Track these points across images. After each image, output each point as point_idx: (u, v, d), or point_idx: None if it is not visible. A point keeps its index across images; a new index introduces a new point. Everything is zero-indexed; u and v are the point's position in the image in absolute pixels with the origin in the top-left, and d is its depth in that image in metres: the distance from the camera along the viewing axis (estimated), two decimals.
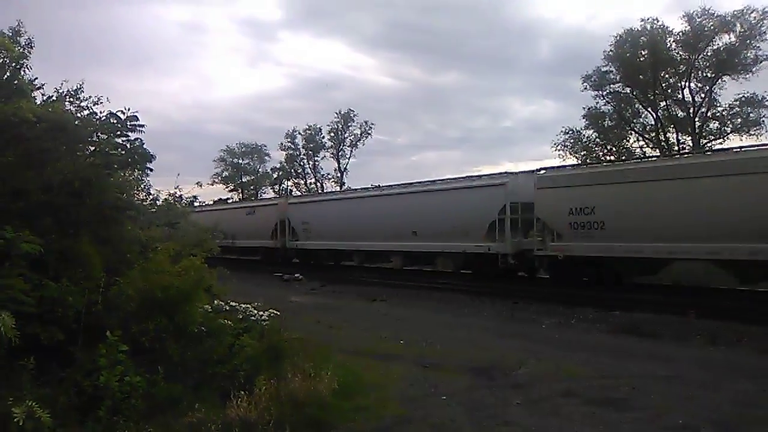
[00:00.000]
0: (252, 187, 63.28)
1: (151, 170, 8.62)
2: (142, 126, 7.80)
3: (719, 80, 32.22)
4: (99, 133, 7.70)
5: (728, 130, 32.66)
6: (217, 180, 62.28)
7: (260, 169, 63.50)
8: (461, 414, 6.51)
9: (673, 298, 14.90)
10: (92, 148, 7.74)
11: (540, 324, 13.09)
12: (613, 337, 11.37)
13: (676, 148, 32.95)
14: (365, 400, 6.94)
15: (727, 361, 9.19)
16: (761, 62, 30.88)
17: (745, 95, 31.55)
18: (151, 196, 10.83)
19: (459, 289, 19.18)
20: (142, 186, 10.40)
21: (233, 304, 8.31)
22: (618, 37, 33.39)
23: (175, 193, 11.66)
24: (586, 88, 35.03)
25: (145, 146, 7.88)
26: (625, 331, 11.78)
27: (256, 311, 8.32)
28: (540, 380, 7.89)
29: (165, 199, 11.14)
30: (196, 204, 18.62)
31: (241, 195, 61.75)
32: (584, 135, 36.10)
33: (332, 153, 55.82)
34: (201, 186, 57.72)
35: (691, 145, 32.47)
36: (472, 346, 10.20)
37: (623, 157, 32.17)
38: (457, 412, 6.58)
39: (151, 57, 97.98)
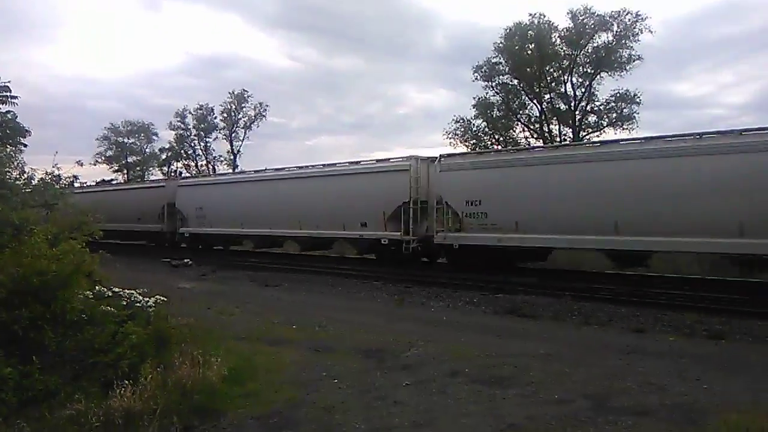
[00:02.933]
0: (138, 168, 60.36)
1: (26, 146, 8.05)
2: (15, 98, 7.26)
3: (598, 76, 34.47)
4: None
5: (605, 123, 35.10)
6: (100, 160, 58.87)
7: (147, 149, 60.73)
8: (352, 396, 6.63)
9: (551, 281, 15.81)
10: None
11: (429, 307, 13.50)
12: (498, 319, 11.94)
13: (558, 139, 34.90)
14: (256, 385, 6.91)
15: (599, 339, 9.91)
16: (634, 61, 33.40)
17: (620, 92, 34.04)
18: (25, 175, 10.07)
19: (352, 274, 19.33)
20: (16, 163, 9.65)
21: (117, 290, 7.96)
22: (507, 30, 34.77)
23: (53, 172, 10.92)
24: (476, 79, 36.33)
25: (18, 120, 7.33)
26: (508, 313, 12.40)
27: (141, 297, 8.00)
28: (428, 361, 8.16)
29: (41, 178, 10.40)
30: (76, 184, 17.44)
31: (126, 176, 58.76)
32: (474, 124, 37.42)
33: (225, 134, 54.35)
34: (82, 165, 53.74)
35: (571, 136, 34.49)
36: (363, 330, 10.36)
37: (509, 147, 33.69)
38: (348, 394, 6.69)
39: (20, 21, 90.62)
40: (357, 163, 22.65)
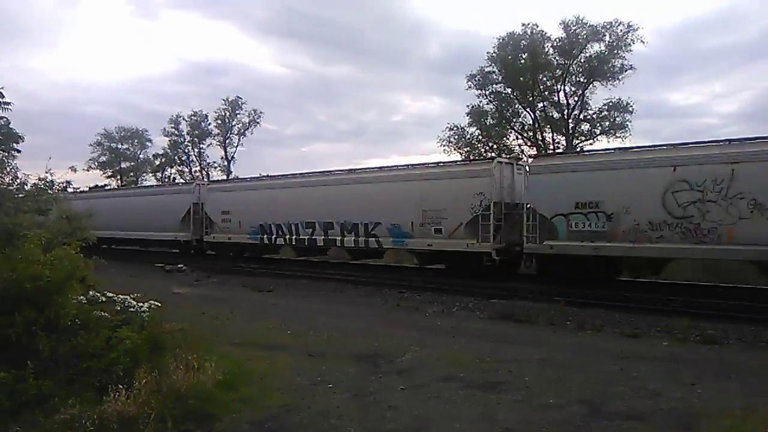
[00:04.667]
0: (132, 174, 60.19)
1: (19, 152, 8.02)
2: (9, 104, 7.25)
3: (590, 85, 34.71)
4: None
5: (597, 132, 35.28)
6: (93, 165, 58.62)
7: (141, 155, 60.57)
8: (347, 401, 6.62)
9: (546, 287, 15.84)
10: None
11: (424, 312, 13.50)
12: (492, 324, 11.95)
13: (552, 147, 35.06)
14: (250, 390, 6.88)
15: (593, 344, 9.93)
16: (626, 71, 33.63)
17: (613, 101, 34.25)
18: (18, 180, 10.04)
19: (348, 279, 19.34)
20: (9, 169, 9.62)
21: (110, 295, 7.93)
22: (501, 40, 34.97)
23: (46, 177, 10.89)
24: (470, 87, 36.48)
25: (11, 126, 7.32)
26: (502, 318, 12.43)
27: (135, 303, 7.98)
28: (423, 366, 8.16)
29: (34, 183, 10.37)
30: (69, 190, 17.35)
31: (120, 181, 58.57)
32: (468, 132, 37.53)
33: (219, 141, 54.27)
34: (76, 171, 53.69)
35: (564, 144, 34.65)
36: (358, 335, 10.36)
37: (503, 153, 33.85)
38: (343, 399, 6.68)
39: (18, 29, 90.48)
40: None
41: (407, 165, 21.00)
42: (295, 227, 22.87)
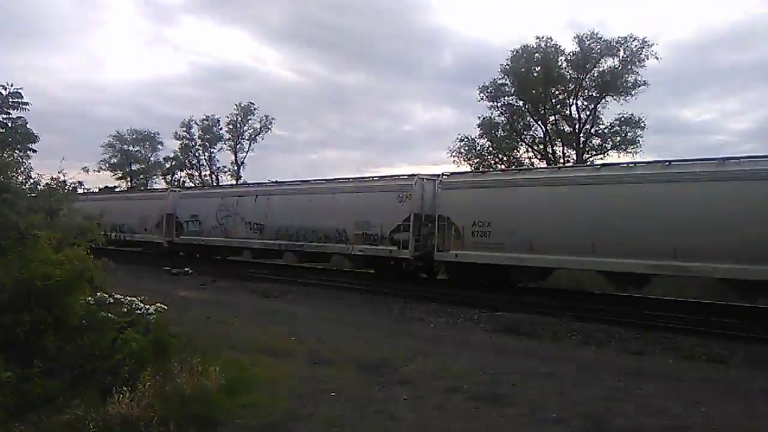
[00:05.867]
0: (142, 176, 60.54)
1: (35, 152, 8.11)
2: (26, 104, 7.33)
3: (603, 100, 34.71)
4: None
5: (608, 146, 35.26)
6: (104, 167, 59.02)
7: (152, 158, 60.94)
8: (350, 409, 6.63)
9: (552, 301, 15.80)
10: None
11: (428, 323, 13.49)
12: (497, 337, 11.93)
13: (562, 160, 35.02)
14: (254, 396, 6.89)
15: (598, 359, 9.90)
16: (639, 86, 33.62)
17: (625, 116, 34.25)
18: (31, 180, 10.12)
19: (353, 288, 19.33)
20: (22, 168, 9.70)
21: (118, 296, 7.96)
22: (514, 52, 35.05)
23: (59, 178, 10.96)
24: (482, 98, 36.54)
25: (28, 126, 7.40)
26: (508, 331, 12.39)
27: (142, 305, 8.01)
28: (427, 377, 8.15)
29: (47, 183, 10.44)
30: (80, 191, 17.49)
31: (130, 183, 58.94)
32: (478, 143, 37.57)
33: (230, 145, 54.52)
34: (87, 172, 54.18)
35: (575, 158, 34.62)
36: (362, 344, 10.36)
37: (513, 166, 33.87)
38: (346, 408, 6.68)
39: (37, 30, 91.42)
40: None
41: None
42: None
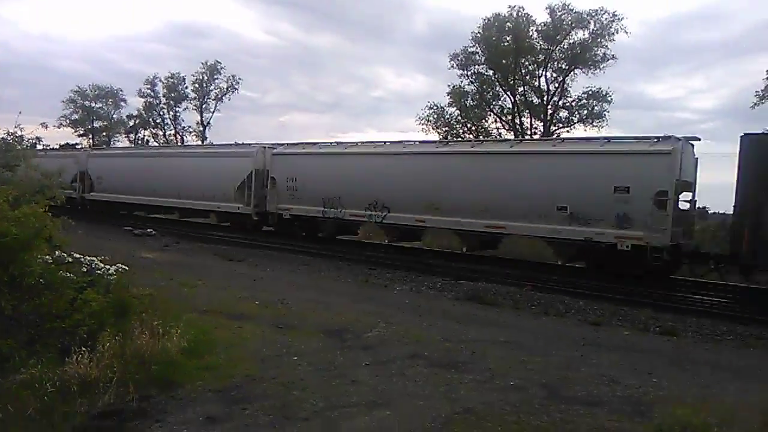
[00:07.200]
0: (104, 134, 59.03)
1: None
2: None
3: (572, 72, 34.80)
4: None
5: (575, 119, 35.51)
6: (65, 123, 57.32)
7: (115, 115, 59.37)
8: (311, 373, 6.67)
9: (513, 271, 16.07)
10: None
11: (393, 290, 13.61)
12: (459, 305, 12.09)
13: (529, 132, 35.23)
14: (215, 359, 6.89)
15: (556, 329, 10.14)
16: (608, 60, 33.82)
17: (592, 89, 34.50)
18: None
19: (319, 253, 19.32)
20: None
21: (77, 256, 7.81)
22: (486, 20, 34.80)
23: (15, 132, 10.61)
24: (452, 67, 36.28)
25: None
26: (469, 300, 12.59)
27: (102, 265, 7.88)
28: (389, 343, 8.25)
29: (2, 138, 10.11)
30: (39, 146, 16.98)
31: (92, 140, 57.41)
32: (447, 112, 37.46)
33: (195, 105, 53.46)
34: (47, 128, 52.57)
35: (542, 130, 34.87)
36: (326, 309, 10.39)
37: (480, 136, 33.97)
38: (308, 372, 6.72)
39: None
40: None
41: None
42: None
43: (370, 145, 21.96)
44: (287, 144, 24.63)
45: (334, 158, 21.71)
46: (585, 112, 35.07)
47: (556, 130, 35.12)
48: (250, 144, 26.29)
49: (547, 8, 34.07)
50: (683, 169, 14.53)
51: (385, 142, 21.58)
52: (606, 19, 33.16)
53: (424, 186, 18.09)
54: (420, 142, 23.94)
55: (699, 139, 15.23)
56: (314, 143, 23.90)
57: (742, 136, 13.02)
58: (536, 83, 35.89)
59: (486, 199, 16.67)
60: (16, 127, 9.98)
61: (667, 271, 15.03)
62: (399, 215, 18.78)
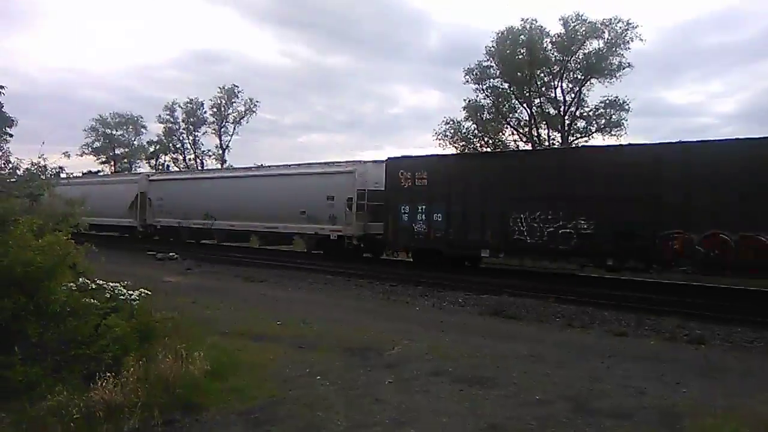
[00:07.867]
0: (126, 160, 59.96)
1: (11, 136, 7.96)
2: (1, 87, 7.19)
3: (588, 82, 34.66)
4: None
5: (593, 129, 35.29)
6: (87, 151, 58.40)
7: (135, 142, 60.38)
8: (335, 393, 6.65)
9: (535, 283, 15.93)
10: None
11: (414, 306, 13.56)
12: (482, 319, 12.01)
13: (547, 143, 35.07)
14: (239, 381, 6.90)
15: (581, 341, 10.00)
16: (624, 69, 33.67)
17: (609, 98, 34.29)
18: (10, 165, 10.00)
19: (338, 272, 19.36)
20: (0, 153, 9.58)
21: (101, 282, 7.90)
22: (500, 34, 34.88)
23: (39, 162, 10.83)
24: (467, 81, 36.36)
25: (4, 109, 7.26)
26: (492, 314, 12.49)
27: (125, 290, 7.96)
28: (412, 360, 8.19)
29: (26, 168, 10.32)
30: (63, 175, 17.28)
31: (113, 168, 58.35)
32: (464, 126, 37.46)
33: (214, 129, 54.14)
34: (69, 156, 53.57)
35: (560, 141, 34.67)
36: (348, 327, 10.38)
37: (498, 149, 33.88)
38: (331, 391, 6.71)
39: (12, 9, 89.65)
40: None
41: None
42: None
43: (208, 171, 32.90)
44: (161, 172, 32.29)
45: (182, 183, 30.81)
46: (603, 121, 34.87)
47: (574, 140, 34.92)
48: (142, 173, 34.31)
49: (560, 19, 34.16)
50: (367, 182, 21.43)
51: (215, 170, 32.91)
52: (620, 27, 33.09)
53: (228, 201, 26.46)
54: (233, 168, 34.67)
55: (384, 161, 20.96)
56: (179, 170, 29.82)
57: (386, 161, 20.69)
58: (552, 94, 35.83)
59: (262, 208, 24.62)
60: (39, 157, 10.19)
61: (360, 252, 22.69)
62: (222, 222, 26.97)
